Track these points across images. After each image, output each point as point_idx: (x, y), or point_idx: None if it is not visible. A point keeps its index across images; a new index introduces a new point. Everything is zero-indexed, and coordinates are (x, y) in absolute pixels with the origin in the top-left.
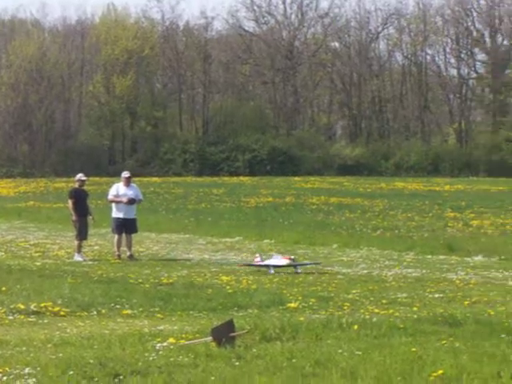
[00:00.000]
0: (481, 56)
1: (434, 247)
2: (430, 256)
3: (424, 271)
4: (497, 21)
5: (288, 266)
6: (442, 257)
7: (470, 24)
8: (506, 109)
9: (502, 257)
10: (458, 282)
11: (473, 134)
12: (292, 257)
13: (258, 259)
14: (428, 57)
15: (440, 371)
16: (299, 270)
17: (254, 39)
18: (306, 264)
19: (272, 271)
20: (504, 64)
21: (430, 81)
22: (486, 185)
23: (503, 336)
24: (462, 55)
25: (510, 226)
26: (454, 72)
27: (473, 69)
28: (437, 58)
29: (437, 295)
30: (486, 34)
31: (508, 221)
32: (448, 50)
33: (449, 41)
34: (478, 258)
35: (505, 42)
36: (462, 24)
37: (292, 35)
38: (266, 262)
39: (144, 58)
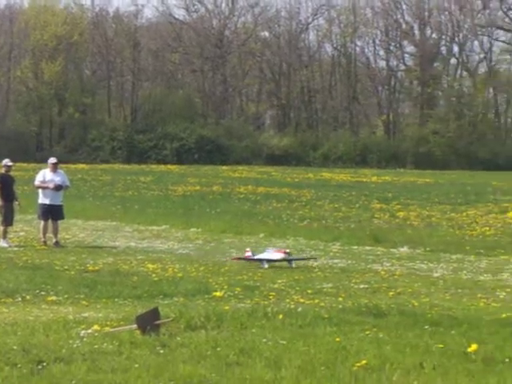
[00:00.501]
0: (409, 48)
1: (360, 238)
2: (356, 247)
3: (350, 262)
4: (426, 13)
5: (282, 260)
6: (367, 248)
7: (399, 16)
8: (434, 101)
9: (428, 248)
10: (383, 272)
11: (401, 126)
12: (287, 250)
13: (249, 253)
14: (357, 48)
15: (363, 361)
16: (293, 265)
17: (183, 27)
18: (301, 259)
19: (266, 265)
20: (432, 57)
21: (359, 72)
22: (413, 177)
23: (426, 327)
24: (391, 47)
25: (435, 218)
26: (382, 64)
27: (401, 61)
28: (366, 50)
29: (362, 286)
30: (415, 26)
31: (434, 213)
32: (377, 41)
33: (378, 33)
34: (404, 250)
35: (433, 35)
36: (391, 16)
37: (222, 24)
38: (260, 256)
39: (73, 44)
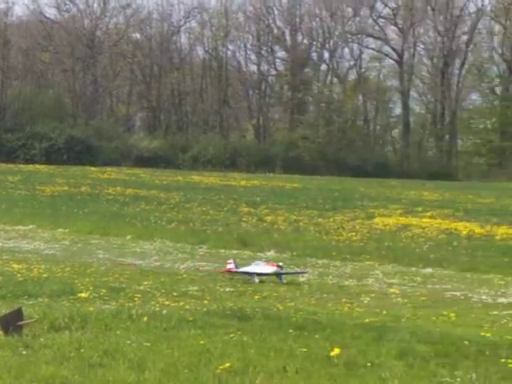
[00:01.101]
0: (281, 53)
1: (227, 241)
2: (223, 250)
3: (216, 265)
4: (297, 20)
5: (273, 274)
6: (234, 251)
7: (271, 21)
8: (304, 107)
9: (294, 253)
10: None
11: (270, 131)
12: (280, 264)
13: (232, 265)
14: (229, 52)
15: (227, 364)
16: (284, 281)
17: (54, 26)
18: (292, 273)
19: (256, 280)
20: (303, 62)
21: (230, 76)
22: (282, 181)
23: (291, 331)
24: (263, 52)
25: (302, 222)
26: (254, 68)
27: (272, 66)
28: (237, 54)
29: (228, 289)
30: (287, 32)
31: (301, 218)
32: (249, 46)
33: (250, 37)
34: (271, 253)
35: (304, 41)
36: (263, 21)
37: (93, 24)
38: (249, 270)
39: None
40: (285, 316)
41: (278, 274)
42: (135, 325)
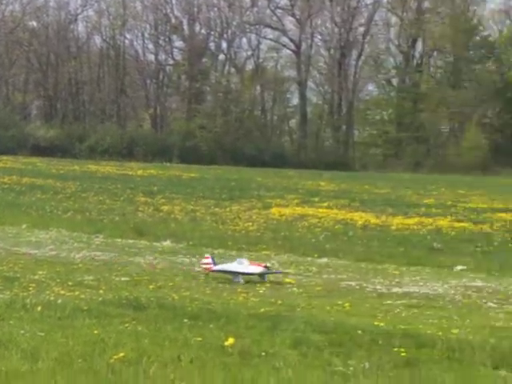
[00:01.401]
0: (178, 43)
1: (123, 231)
2: (119, 239)
3: (112, 254)
4: (195, 9)
5: (261, 274)
6: (131, 241)
7: (168, 11)
8: (202, 97)
9: (190, 242)
10: (145, 266)
11: (168, 120)
12: (267, 264)
13: (209, 260)
14: (126, 41)
15: (121, 354)
16: (266, 279)
17: None
18: (275, 272)
19: (241, 281)
20: (201, 52)
21: (128, 65)
22: (179, 171)
23: (186, 320)
24: (160, 41)
25: (199, 212)
26: (151, 57)
27: (170, 55)
28: (135, 43)
29: (123, 278)
30: (185, 21)
31: (198, 207)
32: (146, 35)
33: (147, 26)
34: (167, 243)
35: (202, 31)
36: (160, 10)
37: None
38: (234, 269)
39: None
40: (180, 305)
41: (262, 274)
42: (29, 314)
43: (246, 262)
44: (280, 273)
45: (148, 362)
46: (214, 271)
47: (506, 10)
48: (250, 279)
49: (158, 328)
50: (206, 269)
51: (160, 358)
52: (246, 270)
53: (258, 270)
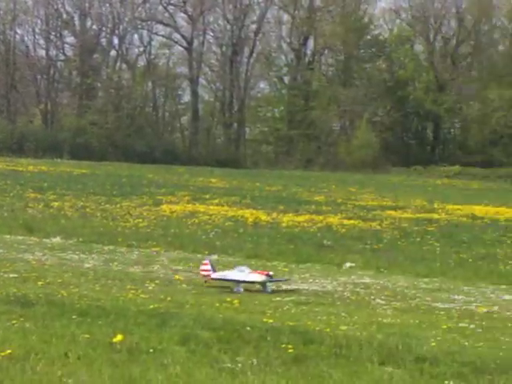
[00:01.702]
0: (70, 39)
1: (12, 227)
2: (8, 236)
3: (1, 251)
4: (87, 4)
5: (262, 282)
6: (20, 237)
7: (60, 6)
8: (93, 93)
9: (80, 239)
10: (34, 262)
11: (59, 116)
12: (270, 273)
13: (208, 266)
14: (17, 36)
15: (8, 351)
16: (268, 290)
17: None
18: (278, 280)
19: (241, 289)
20: (92, 48)
21: (18, 60)
22: (70, 167)
23: (74, 317)
24: (51, 37)
25: (90, 208)
26: (42, 53)
27: (61, 51)
28: (26, 38)
29: (12, 275)
30: (76, 16)
31: (88, 204)
32: (37, 30)
33: (38, 21)
34: (57, 240)
35: (94, 27)
36: (52, 5)
37: None
38: (234, 277)
39: None
40: (68, 302)
41: (263, 283)
42: None
43: (246, 269)
44: (285, 280)
45: (35, 358)
46: (213, 279)
47: (397, 8)
48: (250, 288)
49: (45, 325)
50: (204, 276)
51: (47, 354)
52: (247, 279)
53: (261, 278)
